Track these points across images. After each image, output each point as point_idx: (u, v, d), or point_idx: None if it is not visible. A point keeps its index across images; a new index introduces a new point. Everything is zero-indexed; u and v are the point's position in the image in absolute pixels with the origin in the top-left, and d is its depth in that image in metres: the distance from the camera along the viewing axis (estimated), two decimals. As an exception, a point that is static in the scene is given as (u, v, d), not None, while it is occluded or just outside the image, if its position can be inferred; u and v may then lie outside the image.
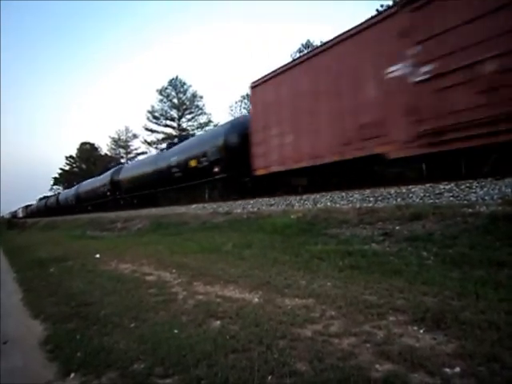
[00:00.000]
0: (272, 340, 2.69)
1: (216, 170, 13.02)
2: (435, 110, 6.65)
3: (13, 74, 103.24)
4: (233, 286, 4.36)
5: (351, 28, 8.41)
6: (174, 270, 5.62)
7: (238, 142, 12.32)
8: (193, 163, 14.34)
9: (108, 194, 23.09)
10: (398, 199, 6.46)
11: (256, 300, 3.75)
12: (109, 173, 24.38)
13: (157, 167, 17.57)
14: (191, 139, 17.30)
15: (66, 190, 41.34)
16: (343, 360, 2.32)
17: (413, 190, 6.58)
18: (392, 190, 6.91)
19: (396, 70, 7.35)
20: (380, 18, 7.82)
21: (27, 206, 55.26)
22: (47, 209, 41.30)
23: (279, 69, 10.69)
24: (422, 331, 2.63)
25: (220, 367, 2.38)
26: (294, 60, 10.84)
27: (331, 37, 8.98)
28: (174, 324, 3.29)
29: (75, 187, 33.70)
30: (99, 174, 28.91)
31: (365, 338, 2.61)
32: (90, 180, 29.65)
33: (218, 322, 3.24)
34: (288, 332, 2.83)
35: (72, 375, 2.67)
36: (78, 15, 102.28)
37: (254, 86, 11.68)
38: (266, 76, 11.15)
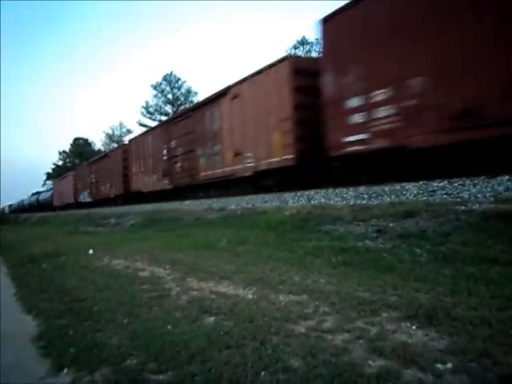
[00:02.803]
0: (266, 336, 2.70)
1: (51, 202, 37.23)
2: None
3: (6, 70, 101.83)
4: (227, 282, 4.36)
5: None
6: (167, 266, 5.60)
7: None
8: (48, 199, 39.14)
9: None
10: (392, 196, 6.49)
11: (250, 296, 3.75)
12: None
13: (41, 197, 43.03)
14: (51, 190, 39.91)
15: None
16: (336, 356, 2.33)
17: (406, 187, 6.61)
18: (386, 188, 6.94)
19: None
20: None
21: (10, 205, 63.19)
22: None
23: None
24: (414, 327, 2.64)
25: (214, 363, 2.38)
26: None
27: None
28: (168, 320, 3.28)
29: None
30: None
31: (358, 334, 2.62)
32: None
33: (212, 318, 3.24)
34: (282, 328, 2.83)
35: (65, 371, 2.66)
36: (74, 11, 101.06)
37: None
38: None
